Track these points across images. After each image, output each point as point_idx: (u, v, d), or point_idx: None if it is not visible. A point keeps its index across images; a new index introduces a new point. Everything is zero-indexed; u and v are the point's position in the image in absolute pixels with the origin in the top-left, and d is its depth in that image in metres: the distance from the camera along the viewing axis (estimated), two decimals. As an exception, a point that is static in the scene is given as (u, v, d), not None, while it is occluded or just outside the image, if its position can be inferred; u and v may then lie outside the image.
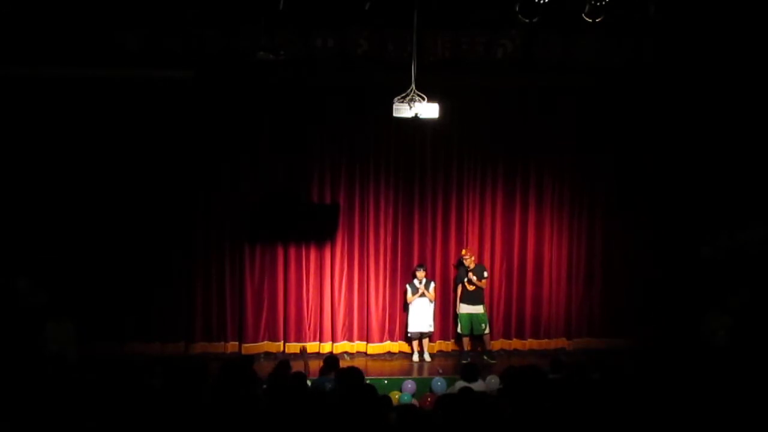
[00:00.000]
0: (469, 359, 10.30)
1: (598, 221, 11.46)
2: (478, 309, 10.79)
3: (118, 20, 9.22)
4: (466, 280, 10.74)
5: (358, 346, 11.18)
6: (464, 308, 10.81)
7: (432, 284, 10.91)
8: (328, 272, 11.10)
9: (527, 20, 7.78)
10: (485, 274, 10.88)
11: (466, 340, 10.95)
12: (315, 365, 8.44)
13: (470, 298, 10.77)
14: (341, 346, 11.08)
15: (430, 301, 10.85)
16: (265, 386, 6.58)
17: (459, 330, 10.95)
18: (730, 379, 6.97)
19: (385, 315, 11.23)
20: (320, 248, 11.07)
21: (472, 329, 10.79)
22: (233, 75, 9.78)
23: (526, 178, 11.34)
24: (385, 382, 9.76)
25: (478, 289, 10.77)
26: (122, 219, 10.56)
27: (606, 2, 7.62)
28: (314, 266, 11.07)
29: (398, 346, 11.28)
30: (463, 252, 10.91)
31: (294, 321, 11.03)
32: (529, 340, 11.41)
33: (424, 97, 8.28)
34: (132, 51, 9.32)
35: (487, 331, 10.85)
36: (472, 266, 10.74)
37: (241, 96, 10.52)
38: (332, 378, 7.04)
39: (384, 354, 11.17)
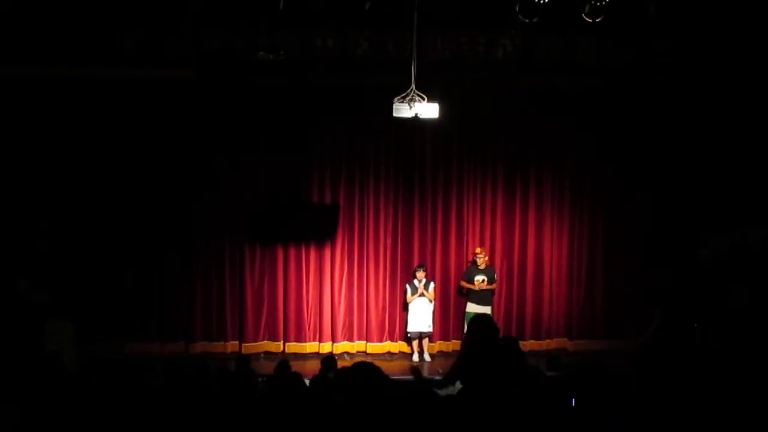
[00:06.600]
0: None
1: (599, 221, 11.45)
2: (486, 310, 10.76)
3: (117, 20, 9.23)
4: (477, 280, 10.70)
5: (357, 345, 11.18)
6: (472, 308, 10.73)
7: (432, 284, 10.90)
8: (328, 272, 11.09)
9: (527, 20, 7.80)
10: (495, 276, 10.88)
11: None
12: (314, 365, 8.44)
13: (478, 298, 10.74)
14: (341, 347, 11.07)
15: (430, 301, 10.85)
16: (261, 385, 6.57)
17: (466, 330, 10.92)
18: (728, 378, 6.94)
19: (385, 315, 11.22)
20: (320, 248, 11.07)
21: None
22: (233, 75, 9.78)
23: (526, 178, 11.34)
24: (385, 382, 9.74)
25: (487, 289, 10.76)
26: (122, 219, 10.56)
27: (606, 2, 7.63)
28: (314, 266, 11.07)
29: (398, 346, 11.28)
30: (478, 250, 10.89)
31: (294, 321, 11.03)
32: (530, 341, 11.36)
33: (424, 97, 8.27)
34: (131, 51, 9.32)
35: None
36: (483, 267, 10.74)
37: (241, 96, 10.51)
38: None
39: (384, 354, 11.16)
